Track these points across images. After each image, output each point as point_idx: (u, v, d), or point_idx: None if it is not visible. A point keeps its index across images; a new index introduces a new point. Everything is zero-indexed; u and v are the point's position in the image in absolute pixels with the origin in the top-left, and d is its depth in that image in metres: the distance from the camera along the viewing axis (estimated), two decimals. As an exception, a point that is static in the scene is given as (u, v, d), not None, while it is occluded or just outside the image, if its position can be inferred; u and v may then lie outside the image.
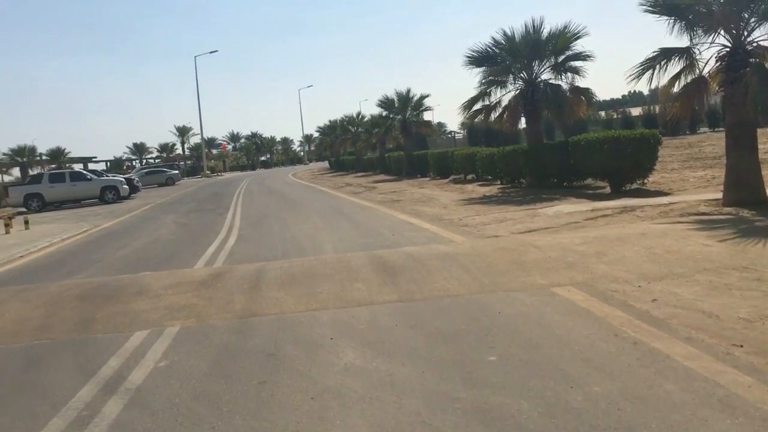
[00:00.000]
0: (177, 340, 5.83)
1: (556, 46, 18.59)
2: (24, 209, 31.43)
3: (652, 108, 68.38)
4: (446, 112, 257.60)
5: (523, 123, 20.35)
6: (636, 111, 70.11)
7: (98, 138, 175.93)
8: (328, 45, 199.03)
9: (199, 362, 5.17)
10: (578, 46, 18.58)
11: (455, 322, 5.67)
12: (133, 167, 78.52)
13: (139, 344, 5.81)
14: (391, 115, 38.63)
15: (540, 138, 19.26)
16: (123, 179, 35.04)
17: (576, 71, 18.84)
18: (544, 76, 19.47)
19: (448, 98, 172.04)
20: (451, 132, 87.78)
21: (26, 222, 19.38)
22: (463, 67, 19.57)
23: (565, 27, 18.38)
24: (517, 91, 19.56)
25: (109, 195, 32.73)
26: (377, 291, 7.00)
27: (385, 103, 37.36)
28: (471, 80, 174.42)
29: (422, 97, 36.44)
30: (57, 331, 6.50)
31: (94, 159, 78.76)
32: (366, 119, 50.13)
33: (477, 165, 23.63)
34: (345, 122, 53.90)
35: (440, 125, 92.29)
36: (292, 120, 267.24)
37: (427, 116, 37.10)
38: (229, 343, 5.62)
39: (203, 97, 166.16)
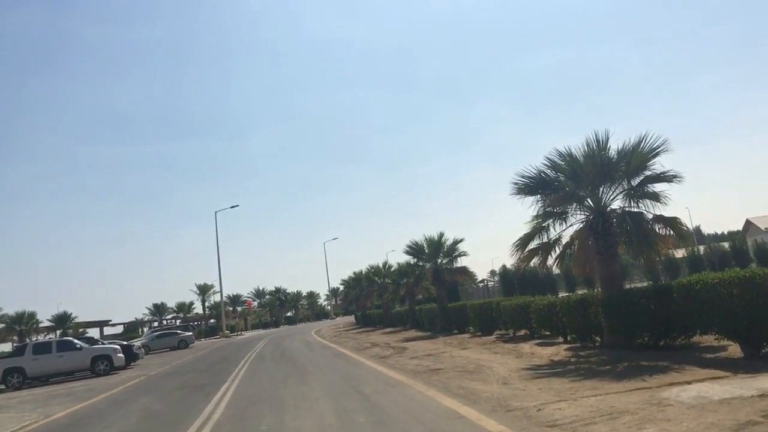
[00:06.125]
0: None
1: (630, 165, 14.49)
2: (3, 386, 27.36)
3: (695, 250, 62.61)
4: (474, 261, 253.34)
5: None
6: (678, 253, 64.38)
7: (120, 300, 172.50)
8: (355, 199, 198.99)
9: None
10: (657, 164, 14.54)
11: None
12: (153, 329, 74.74)
13: None
14: (420, 263, 34.50)
15: (619, 282, 14.65)
16: (118, 347, 30.78)
17: (656, 197, 14.64)
18: (614, 204, 15.35)
19: (475, 246, 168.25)
20: (483, 280, 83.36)
21: (-48, 415, 14.93)
22: (511, 197, 15.50)
23: (640, 141, 14.30)
24: (582, 224, 15.37)
25: (100, 366, 28.66)
26: None
27: (414, 249, 33.24)
28: (498, 231, 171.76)
29: (456, 242, 32.19)
30: None
31: (109, 322, 75.37)
32: (393, 269, 46.06)
33: (531, 318, 19.01)
34: (371, 273, 49.75)
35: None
36: (318, 274, 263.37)
37: (461, 262, 32.72)
38: None
39: (227, 254, 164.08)
